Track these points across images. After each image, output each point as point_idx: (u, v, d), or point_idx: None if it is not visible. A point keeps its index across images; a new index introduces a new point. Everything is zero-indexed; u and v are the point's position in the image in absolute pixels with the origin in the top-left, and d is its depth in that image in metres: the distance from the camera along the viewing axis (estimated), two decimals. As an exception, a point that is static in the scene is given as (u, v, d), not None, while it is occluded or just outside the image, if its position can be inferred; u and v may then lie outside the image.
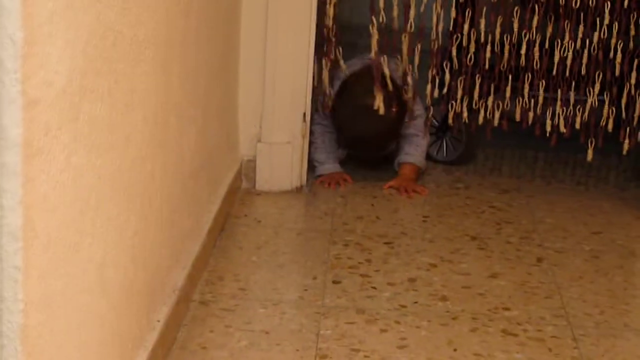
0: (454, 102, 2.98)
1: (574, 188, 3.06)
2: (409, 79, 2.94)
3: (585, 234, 2.67)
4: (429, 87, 2.97)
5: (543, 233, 2.66)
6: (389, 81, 2.87)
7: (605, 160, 3.22)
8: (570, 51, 2.87)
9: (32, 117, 1.17)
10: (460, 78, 2.95)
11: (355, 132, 2.94)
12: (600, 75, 2.88)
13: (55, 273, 1.29)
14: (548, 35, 2.87)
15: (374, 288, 2.28)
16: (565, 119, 2.93)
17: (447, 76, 2.95)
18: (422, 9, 2.84)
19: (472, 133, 3.07)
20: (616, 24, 2.82)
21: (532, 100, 2.95)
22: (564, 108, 2.93)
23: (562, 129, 2.93)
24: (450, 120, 3.03)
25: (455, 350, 2.02)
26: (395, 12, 2.86)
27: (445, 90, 2.97)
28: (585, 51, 2.87)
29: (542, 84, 2.91)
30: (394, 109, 2.88)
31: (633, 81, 2.88)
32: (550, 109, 2.95)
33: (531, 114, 2.95)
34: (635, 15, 2.83)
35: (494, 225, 2.71)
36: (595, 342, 2.08)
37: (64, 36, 1.24)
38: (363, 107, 2.88)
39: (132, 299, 1.70)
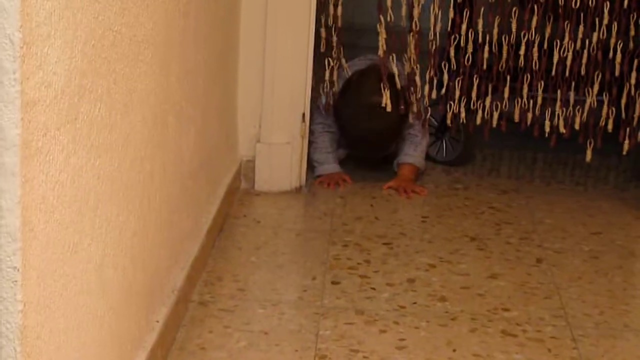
0: (452, 103, 2.98)
1: (573, 188, 3.05)
2: (417, 79, 2.93)
3: (584, 235, 2.67)
4: (427, 87, 2.97)
5: (542, 233, 2.66)
6: (397, 79, 2.87)
7: (604, 161, 3.22)
8: (570, 51, 2.87)
9: (30, 117, 1.17)
10: (458, 79, 2.95)
11: (359, 131, 2.93)
12: (600, 76, 2.88)
13: (54, 274, 1.29)
14: (547, 35, 2.87)
15: (373, 289, 2.28)
16: (565, 119, 2.93)
17: (445, 77, 2.95)
18: (419, 9, 2.84)
19: (470, 134, 3.07)
20: (615, 24, 2.82)
21: (531, 101, 2.94)
22: (564, 108, 2.93)
23: (562, 129, 2.93)
24: (448, 121, 3.03)
25: (454, 350, 2.02)
26: (403, 11, 2.85)
27: (443, 90, 2.97)
28: (585, 51, 2.87)
29: (541, 84, 2.91)
30: (402, 107, 2.88)
31: (633, 81, 2.88)
32: (549, 109, 2.95)
33: (530, 115, 2.95)
34: (635, 16, 2.83)
35: (493, 225, 2.71)
36: (594, 343, 2.08)
37: (62, 36, 1.24)
38: (368, 106, 2.88)
39: (131, 299, 1.70)
